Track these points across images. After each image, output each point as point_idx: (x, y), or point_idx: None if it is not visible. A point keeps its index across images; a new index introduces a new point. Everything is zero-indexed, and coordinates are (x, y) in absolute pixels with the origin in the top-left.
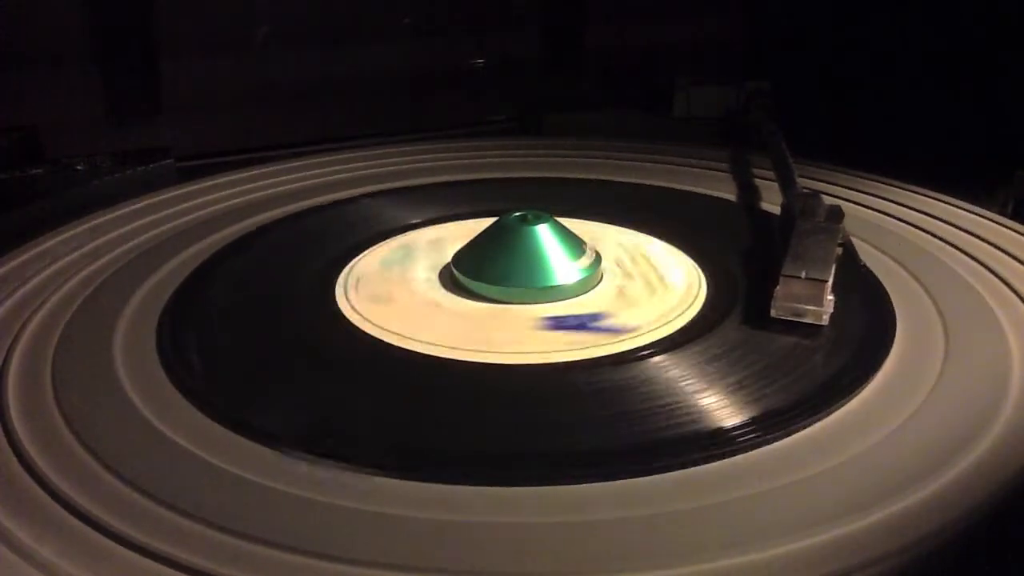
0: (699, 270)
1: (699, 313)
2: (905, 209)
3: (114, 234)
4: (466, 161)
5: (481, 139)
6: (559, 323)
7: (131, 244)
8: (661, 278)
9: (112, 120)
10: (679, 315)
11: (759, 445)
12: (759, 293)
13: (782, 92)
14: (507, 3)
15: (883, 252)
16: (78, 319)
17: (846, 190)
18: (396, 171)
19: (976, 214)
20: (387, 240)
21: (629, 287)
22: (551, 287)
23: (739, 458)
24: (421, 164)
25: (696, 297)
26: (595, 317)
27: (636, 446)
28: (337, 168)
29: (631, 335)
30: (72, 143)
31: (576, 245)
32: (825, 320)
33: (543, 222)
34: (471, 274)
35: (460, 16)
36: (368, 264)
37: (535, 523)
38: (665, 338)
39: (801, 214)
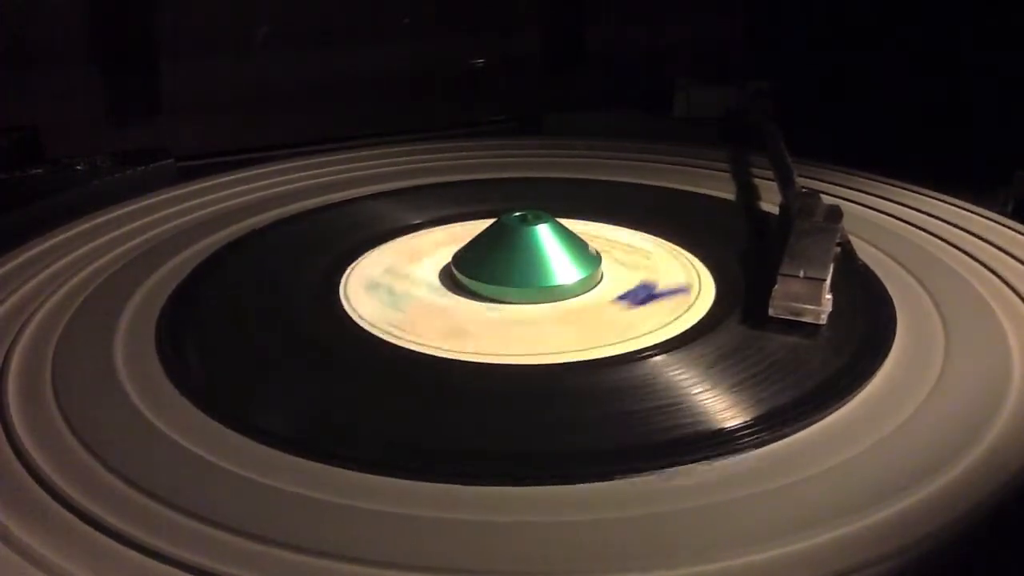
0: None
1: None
2: (905, 209)
3: (114, 234)
4: (466, 161)
5: (481, 139)
6: (632, 299)
7: (131, 244)
8: (633, 246)
9: (112, 120)
10: (699, 268)
11: (759, 445)
12: (758, 293)
13: (782, 92)
14: (507, 3)
15: (883, 252)
16: (78, 319)
17: (846, 190)
18: (396, 171)
19: (976, 214)
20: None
21: (627, 260)
22: (552, 287)
23: (739, 458)
24: (421, 164)
25: (692, 259)
26: (650, 286)
27: (636, 446)
28: (337, 168)
29: (696, 293)
30: (72, 143)
31: (576, 245)
32: (823, 319)
33: (543, 222)
34: (471, 274)
35: (460, 16)
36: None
37: (535, 523)
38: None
39: (799, 214)
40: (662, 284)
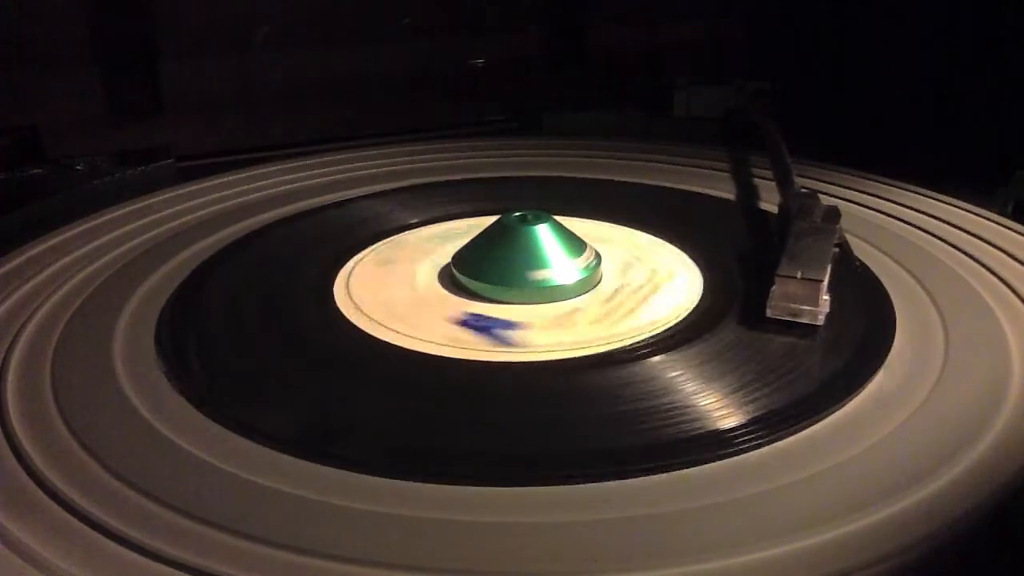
0: (701, 298)
1: (685, 319)
2: (905, 209)
3: (114, 234)
4: (466, 161)
5: (481, 139)
6: (471, 321)
7: (131, 244)
8: (633, 311)
9: (112, 120)
10: (599, 346)
11: (758, 446)
12: (757, 293)
13: (782, 92)
14: (508, 3)
15: (883, 252)
16: (78, 319)
17: (846, 190)
18: (396, 171)
19: (976, 214)
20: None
21: (589, 311)
22: (551, 287)
23: (737, 459)
24: (421, 164)
25: (646, 335)
26: (508, 325)
27: (633, 446)
28: (337, 168)
29: (517, 351)
30: (72, 143)
31: (576, 245)
32: (821, 320)
33: (543, 222)
34: (470, 274)
35: (460, 16)
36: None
37: (535, 523)
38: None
39: (798, 214)
40: (518, 333)
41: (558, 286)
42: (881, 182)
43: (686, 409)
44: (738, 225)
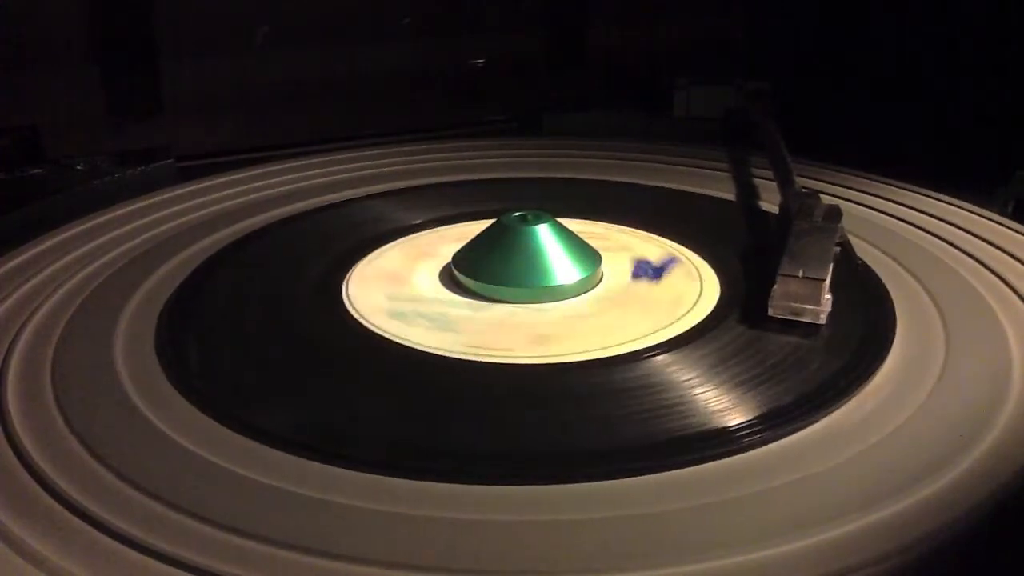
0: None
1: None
2: (905, 209)
3: (114, 234)
4: (466, 161)
5: (481, 139)
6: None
7: (131, 244)
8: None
9: (112, 120)
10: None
11: (758, 445)
12: (758, 293)
13: (782, 92)
14: (508, 3)
15: (883, 252)
16: (78, 319)
17: (846, 190)
18: (396, 171)
19: (976, 214)
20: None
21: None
22: (551, 287)
23: (738, 458)
24: (421, 164)
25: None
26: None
27: (635, 445)
28: (337, 168)
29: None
30: (72, 143)
31: (576, 245)
32: (823, 319)
33: (543, 222)
34: (471, 274)
35: (460, 16)
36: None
37: (536, 522)
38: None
39: (799, 213)
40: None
41: (558, 286)
42: (881, 182)
43: (686, 409)
44: (738, 225)
